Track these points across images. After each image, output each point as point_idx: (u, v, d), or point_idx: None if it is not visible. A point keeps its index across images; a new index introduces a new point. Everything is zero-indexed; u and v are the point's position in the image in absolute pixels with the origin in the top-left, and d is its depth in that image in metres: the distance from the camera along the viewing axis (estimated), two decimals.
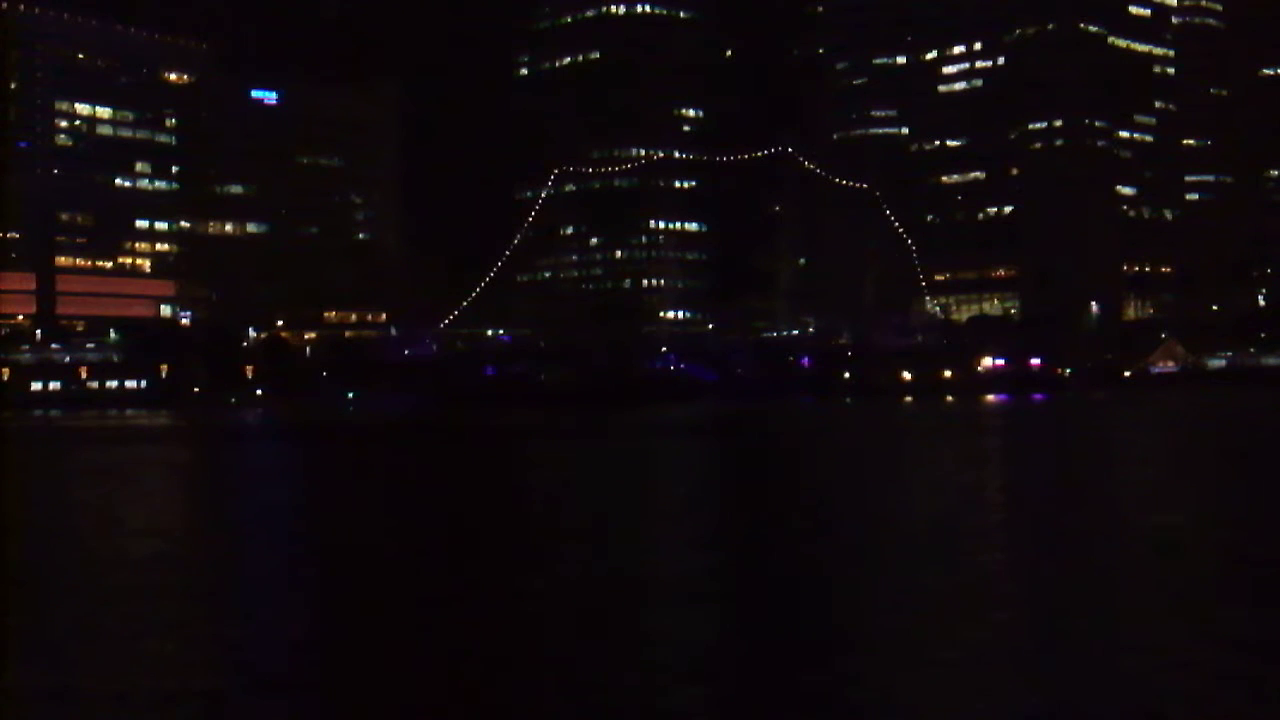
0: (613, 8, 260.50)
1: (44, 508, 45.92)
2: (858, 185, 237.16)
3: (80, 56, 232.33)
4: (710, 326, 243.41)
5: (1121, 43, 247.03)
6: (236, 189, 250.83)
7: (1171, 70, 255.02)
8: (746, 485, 51.44)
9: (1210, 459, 63.16)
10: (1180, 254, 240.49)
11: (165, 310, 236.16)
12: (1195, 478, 52.55)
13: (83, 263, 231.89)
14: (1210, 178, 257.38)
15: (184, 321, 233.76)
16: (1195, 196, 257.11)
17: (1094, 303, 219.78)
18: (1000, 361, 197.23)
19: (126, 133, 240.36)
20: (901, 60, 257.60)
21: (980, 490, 48.00)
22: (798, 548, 32.37)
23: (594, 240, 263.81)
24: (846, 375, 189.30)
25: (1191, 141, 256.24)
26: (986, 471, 57.19)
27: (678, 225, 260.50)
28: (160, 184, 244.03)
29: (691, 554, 31.11)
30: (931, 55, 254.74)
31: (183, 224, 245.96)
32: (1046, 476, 53.86)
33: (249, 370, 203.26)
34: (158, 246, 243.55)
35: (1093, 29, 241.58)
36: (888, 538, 33.71)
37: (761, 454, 72.65)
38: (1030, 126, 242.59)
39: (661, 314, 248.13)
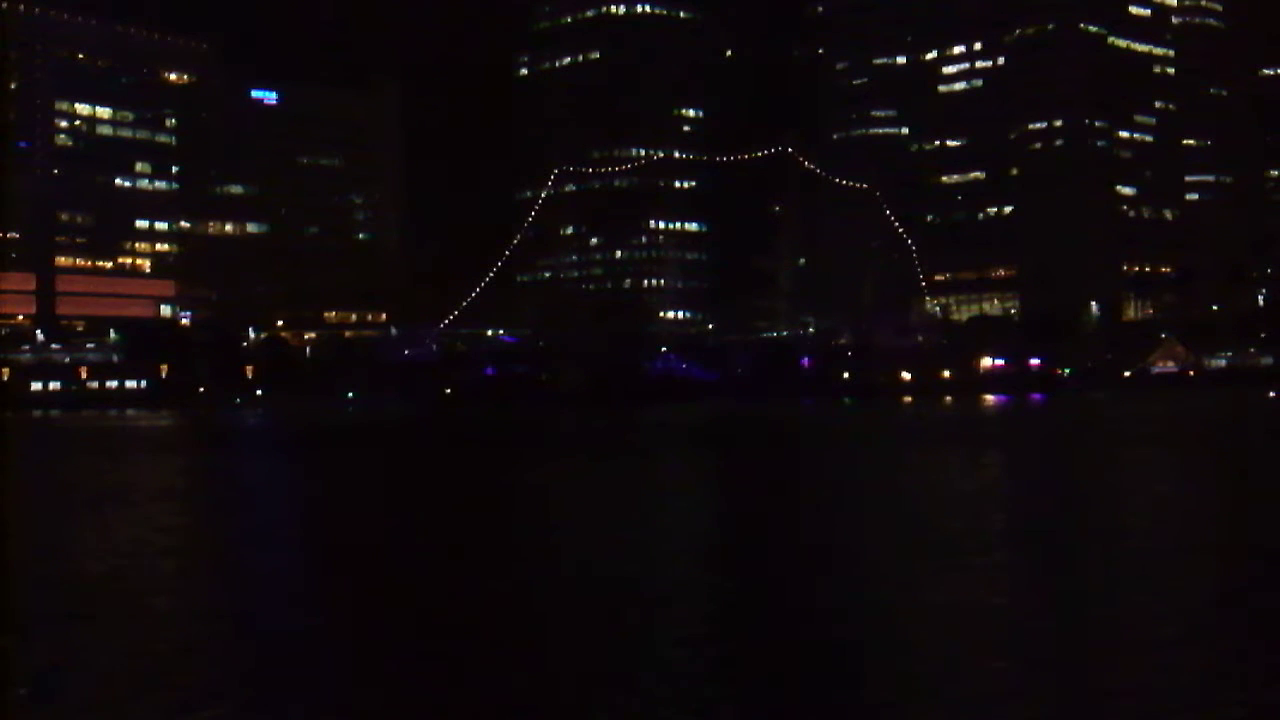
0: (613, 8, 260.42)
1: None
2: (858, 185, 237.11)
3: (80, 56, 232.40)
4: (710, 326, 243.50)
5: (1121, 43, 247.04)
6: (236, 189, 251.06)
7: (1171, 70, 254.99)
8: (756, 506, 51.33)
9: (1211, 461, 63.14)
10: (1180, 254, 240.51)
11: (165, 310, 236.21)
12: (1196, 481, 52.58)
13: (83, 263, 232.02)
14: (1210, 178, 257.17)
15: (184, 321, 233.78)
16: (1195, 196, 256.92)
17: (1094, 303, 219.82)
18: (1000, 361, 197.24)
19: (126, 133, 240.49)
20: (901, 60, 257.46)
21: (994, 509, 48.00)
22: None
23: (594, 240, 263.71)
24: (846, 375, 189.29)
25: (1191, 141, 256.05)
26: (998, 482, 57.24)
27: (678, 225, 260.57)
28: (160, 184, 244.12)
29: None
30: (931, 55, 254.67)
31: (183, 224, 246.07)
32: (1053, 483, 53.85)
33: (249, 370, 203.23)
34: (158, 246, 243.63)
35: (1093, 29, 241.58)
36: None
37: (768, 465, 72.63)
38: (1030, 126, 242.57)
39: (661, 314, 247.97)
